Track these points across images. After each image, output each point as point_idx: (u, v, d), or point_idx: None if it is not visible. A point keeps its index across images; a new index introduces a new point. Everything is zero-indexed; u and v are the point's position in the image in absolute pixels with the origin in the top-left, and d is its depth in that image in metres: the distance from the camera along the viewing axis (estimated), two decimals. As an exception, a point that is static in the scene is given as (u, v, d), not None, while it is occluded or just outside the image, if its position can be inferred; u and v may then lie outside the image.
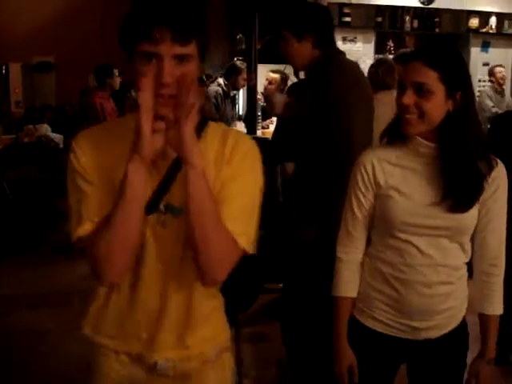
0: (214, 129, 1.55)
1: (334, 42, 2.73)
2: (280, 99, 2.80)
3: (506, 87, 7.59)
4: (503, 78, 7.20)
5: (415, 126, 1.73)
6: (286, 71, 6.51)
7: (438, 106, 1.70)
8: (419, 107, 1.70)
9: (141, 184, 1.37)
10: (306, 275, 2.37)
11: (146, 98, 1.29)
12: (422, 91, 1.69)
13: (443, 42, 7.82)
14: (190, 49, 1.35)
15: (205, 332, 1.65)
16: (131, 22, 1.35)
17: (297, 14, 2.69)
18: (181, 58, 1.34)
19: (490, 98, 7.00)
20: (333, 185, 2.36)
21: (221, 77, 6.30)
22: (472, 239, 1.86)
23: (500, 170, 1.80)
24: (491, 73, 7.22)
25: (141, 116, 1.29)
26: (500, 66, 7.25)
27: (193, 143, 1.33)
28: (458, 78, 1.71)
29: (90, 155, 1.48)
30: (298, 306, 2.73)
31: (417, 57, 1.72)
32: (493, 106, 6.89)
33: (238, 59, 7.64)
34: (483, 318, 1.90)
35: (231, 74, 6.22)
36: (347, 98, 2.51)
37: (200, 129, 1.48)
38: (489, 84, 7.31)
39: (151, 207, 1.47)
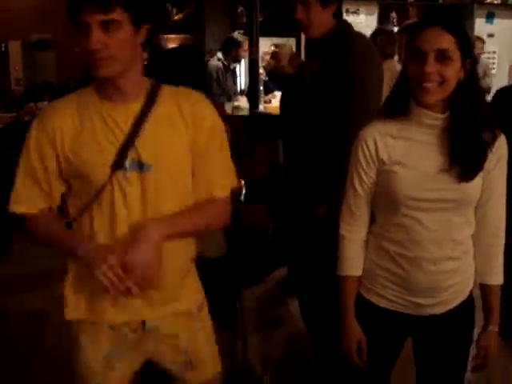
0: (165, 90, 1.69)
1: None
2: (287, 51, 2.67)
3: (508, 59, 7.48)
4: (480, 54, 7.02)
5: (434, 93, 1.70)
6: (288, 45, 6.45)
7: (456, 72, 1.69)
8: (441, 74, 1.67)
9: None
10: (317, 252, 2.33)
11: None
12: (443, 58, 1.66)
13: (446, 13, 7.75)
14: (115, 15, 1.48)
15: (184, 288, 1.79)
16: None
17: None
18: (106, 25, 1.48)
19: None
20: (344, 160, 2.31)
21: (219, 51, 6.24)
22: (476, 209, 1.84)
23: (502, 140, 1.79)
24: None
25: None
26: (481, 40, 7.10)
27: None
28: (469, 45, 1.71)
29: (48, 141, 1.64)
30: (312, 282, 2.70)
31: (434, 23, 1.69)
32: None
33: (239, 32, 7.57)
34: (485, 289, 1.89)
35: (231, 48, 6.14)
36: (368, 70, 2.43)
37: (154, 93, 1.65)
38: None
39: (117, 165, 1.59)
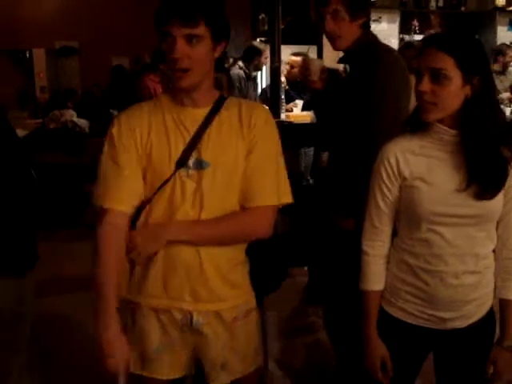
0: (231, 101, 1.85)
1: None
2: (318, 65, 2.62)
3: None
4: (510, 62, 6.96)
5: (432, 112, 1.73)
6: (310, 53, 6.46)
7: (454, 92, 1.69)
8: (435, 94, 1.69)
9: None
10: (343, 264, 2.34)
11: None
12: (437, 77, 1.68)
13: (467, 22, 7.71)
14: (197, 30, 1.66)
15: (235, 286, 1.88)
16: (158, 10, 1.68)
17: None
18: (190, 38, 1.66)
19: None
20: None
21: (240, 59, 6.25)
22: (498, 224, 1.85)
23: None
24: (501, 51, 6.91)
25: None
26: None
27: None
28: (474, 63, 1.69)
29: (131, 135, 1.79)
30: (338, 294, 2.70)
31: (432, 43, 1.71)
32: None
33: (260, 40, 7.59)
34: (503, 304, 1.89)
35: (253, 56, 6.15)
36: (397, 82, 2.42)
37: (220, 102, 1.82)
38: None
39: (181, 162, 1.76)
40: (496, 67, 6.94)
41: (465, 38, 1.74)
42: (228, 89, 3.33)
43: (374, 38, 2.58)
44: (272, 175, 1.82)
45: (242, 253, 1.92)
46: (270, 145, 1.83)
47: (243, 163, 1.80)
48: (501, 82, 6.90)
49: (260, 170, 1.80)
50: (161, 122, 1.79)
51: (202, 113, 1.80)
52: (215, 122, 1.79)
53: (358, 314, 1.97)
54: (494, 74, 6.68)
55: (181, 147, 1.77)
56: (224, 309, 1.86)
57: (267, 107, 1.92)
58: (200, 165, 1.77)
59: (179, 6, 1.66)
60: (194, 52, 1.68)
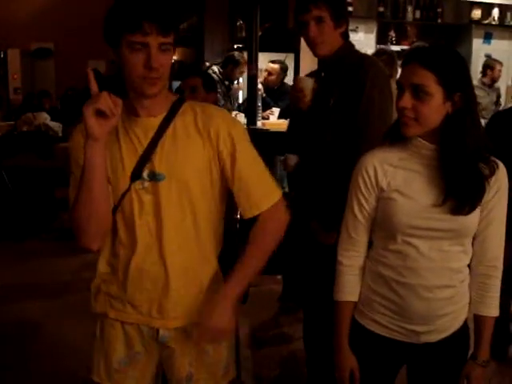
0: (187, 106, 1.79)
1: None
2: (310, 84, 2.56)
3: (506, 79, 7.54)
4: (499, 76, 7.10)
5: (412, 128, 1.73)
6: (287, 61, 6.46)
7: (435, 108, 1.69)
8: (416, 110, 1.69)
9: (98, 164, 1.60)
10: (326, 278, 2.32)
11: (94, 90, 1.57)
12: (419, 93, 1.68)
13: (443, 34, 7.80)
14: (170, 39, 1.64)
15: (205, 302, 1.81)
16: (121, 16, 1.60)
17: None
18: (163, 47, 1.62)
19: None
20: None
21: (216, 65, 6.23)
22: (474, 239, 1.84)
23: (501, 172, 1.79)
24: (489, 66, 7.08)
25: (86, 108, 1.54)
26: (500, 63, 7.10)
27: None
28: (456, 80, 1.69)
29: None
30: (319, 310, 2.68)
31: (413, 58, 1.71)
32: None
33: (238, 47, 7.57)
34: (478, 320, 1.89)
35: (228, 64, 6.13)
36: (383, 94, 2.42)
37: (175, 108, 1.76)
38: (478, 77, 7.16)
39: (135, 175, 1.71)
40: (485, 80, 7.04)
41: (447, 53, 1.73)
42: (206, 91, 3.30)
43: (352, 47, 2.59)
44: (265, 173, 1.80)
45: (213, 265, 1.87)
46: (249, 145, 1.79)
47: (203, 171, 1.75)
48: (488, 95, 6.99)
49: (255, 173, 1.78)
50: (113, 133, 1.71)
51: (155, 122, 1.73)
52: (169, 131, 1.73)
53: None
54: (483, 87, 6.78)
55: (134, 159, 1.72)
56: (192, 324, 1.82)
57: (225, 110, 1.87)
58: (154, 177, 1.72)
59: (156, 13, 1.60)
60: (166, 60, 1.64)
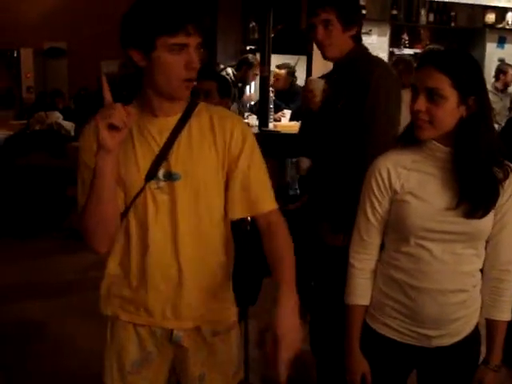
0: (201, 108, 1.79)
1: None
2: (321, 86, 2.56)
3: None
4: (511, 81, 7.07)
5: (426, 131, 1.73)
6: (299, 64, 6.45)
7: (449, 111, 1.69)
8: (430, 113, 1.69)
9: (108, 173, 1.58)
10: (333, 281, 2.32)
11: (107, 99, 1.55)
12: (433, 96, 1.68)
13: (457, 38, 7.76)
14: (201, 39, 1.65)
15: (217, 301, 1.84)
16: (159, 17, 1.58)
17: (348, 1, 2.55)
18: (198, 47, 1.64)
19: None
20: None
21: (231, 67, 6.24)
22: (488, 243, 1.83)
23: None
24: (502, 70, 7.05)
25: (100, 120, 1.52)
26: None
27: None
28: (470, 84, 1.69)
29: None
30: (326, 311, 2.68)
31: (428, 61, 1.71)
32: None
33: (250, 48, 7.57)
34: (490, 324, 1.88)
35: (242, 66, 6.15)
36: (390, 94, 2.43)
37: (190, 109, 1.76)
38: (492, 81, 7.13)
39: (151, 175, 1.70)
40: (498, 85, 7.00)
41: (462, 57, 1.73)
42: (220, 96, 3.26)
43: (364, 50, 2.59)
44: (268, 181, 1.80)
45: (225, 265, 1.87)
46: (257, 151, 1.79)
47: (217, 172, 1.75)
48: (501, 100, 6.95)
49: (261, 178, 1.77)
50: (127, 132, 1.68)
51: (171, 122, 1.73)
52: (185, 131, 1.73)
53: (342, 329, 1.95)
54: (495, 92, 6.74)
55: (149, 159, 1.71)
56: (205, 324, 1.83)
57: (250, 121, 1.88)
58: (170, 176, 1.72)
59: (196, 14, 1.63)
60: (199, 60, 1.66)
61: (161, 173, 1.71)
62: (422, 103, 1.69)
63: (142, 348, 1.85)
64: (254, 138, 1.81)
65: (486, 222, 1.76)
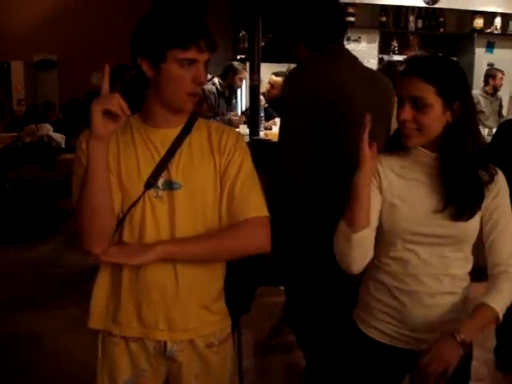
0: (200, 122, 1.83)
1: (330, 42, 2.57)
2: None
3: (509, 88, 7.54)
4: (501, 85, 7.05)
5: (414, 138, 1.74)
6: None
7: (435, 118, 1.71)
8: (417, 121, 1.71)
9: (100, 160, 1.59)
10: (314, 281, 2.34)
11: (105, 88, 1.57)
12: (419, 105, 1.69)
13: (446, 44, 7.80)
14: (210, 54, 1.69)
15: (211, 313, 1.83)
16: (173, 31, 1.62)
17: (288, 19, 2.67)
18: (206, 63, 1.68)
19: (477, 104, 6.83)
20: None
21: (217, 77, 6.24)
22: (483, 246, 1.83)
23: (499, 178, 1.80)
24: (491, 74, 7.07)
25: (95, 105, 1.53)
26: (501, 71, 7.07)
27: None
28: (454, 90, 1.71)
29: None
30: (301, 309, 2.73)
31: (412, 71, 1.72)
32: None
33: (240, 58, 7.58)
34: (478, 305, 1.75)
35: (227, 73, 6.15)
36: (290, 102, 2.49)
37: (191, 122, 1.79)
38: (481, 85, 7.17)
39: (150, 183, 1.72)
40: (487, 89, 7.02)
41: (445, 64, 1.75)
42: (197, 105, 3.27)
43: (314, 57, 2.59)
44: (256, 189, 1.80)
45: (221, 277, 1.87)
46: (247, 161, 1.80)
47: (215, 184, 1.76)
48: (491, 104, 6.98)
49: (244, 185, 1.77)
50: (129, 140, 1.75)
51: (172, 133, 1.76)
52: (186, 143, 1.76)
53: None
54: (486, 96, 6.77)
55: (150, 167, 1.73)
56: (199, 336, 1.82)
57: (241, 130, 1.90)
58: (170, 185, 1.73)
59: (206, 31, 1.66)
60: (205, 75, 1.70)
61: (160, 182, 1.73)
62: (408, 112, 1.71)
63: (134, 366, 1.82)
64: (246, 147, 1.83)
65: (472, 225, 1.78)
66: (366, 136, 1.72)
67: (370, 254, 1.81)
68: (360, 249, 1.77)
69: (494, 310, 1.73)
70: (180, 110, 1.73)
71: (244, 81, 6.63)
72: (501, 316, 1.75)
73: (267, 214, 1.79)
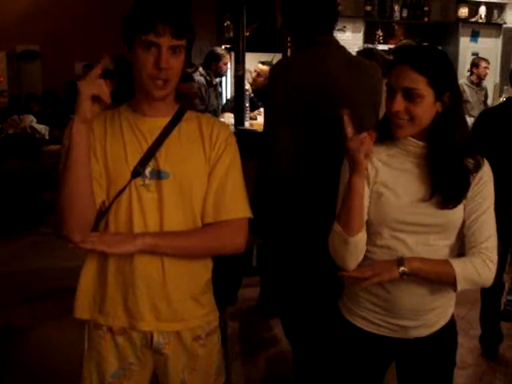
0: (190, 114, 1.83)
1: (315, 34, 2.55)
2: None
3: (493, 77, 7.58)
4: (485, 74, 7.03)
5: (406, 129, 1.74)
6: (275, 61, 6.42)
7: (427, 109, 1.71)
8: (409, 112, 1.70)
9: (82, 143, 1.59)
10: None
11: (96, 72, 1.56)
12: (411, 96, 1.69)
13: (430, 33, 7.81)
14: (182, 42, 1.67)
15: (198, 306, 1.82)
16: (137, 16, 1.65)
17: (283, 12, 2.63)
18: (174, 49, 1.66)
19: (463, 93, 6.83)
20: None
21: (200, 66, 6.14)
22: (464, 235, 1.82)
23: (485, 167, 1.81)
24: (475, 63, 7.06)
25: (84, 88, 1.53)
26: (486, 60, 7.05)
27: None
28: (445, 81, 1.71)
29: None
30: (288, 299, 2.74)
31: (404, 60, 1.71)
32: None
33: (226, 47, 7.54)
34: (442, 260, 1.78)
35: (211, 62, 6.05)
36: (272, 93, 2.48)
37: (181, 113, 1.80)
38: (466, 75, 7.19)
39: (137, 171, 1.71)
40: (472, 79, 7.01)
41: (435, 55, 1.75)
42: (188, 98, 3.25)
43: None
44: (241, 189, 1.80)
45: (209, 270, 1.86)
46: (235, 159, 1.80)
47: (204, 176, 1.76)
48: (476, 94, 6.98)
49: (231, 184, 1.77)
50: (117, 128, 1.74)
51: (161, 122, 1.76)
52: (175, 133, 1.75)
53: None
54: (471, 86, 6.77)
55: (137, 156, 1.72)
56: (186, 329, 1.81)
57: (226, 120, 1.89)
58: (158, 175, 1.72)
59: (170, 16, 1.65)
60: (175, 62, 1.67)
61: (148, 170, 1.71)
62: (400, 103, 1.70)
63: (121, 358, 1.81)
64: (236, 146, 1.82)
65: (457, 213, 1.78)
66: (351, 134, 1.71)
67: (364, 249, 1.81)
68: (357, 250, 1.78)
69: (452, 268, 1.73)
70: (151, 95, 1.70)
71: (229, 70, 6.56)
72: (458, 284, 1.73)
73: (248, 215, 1.80)
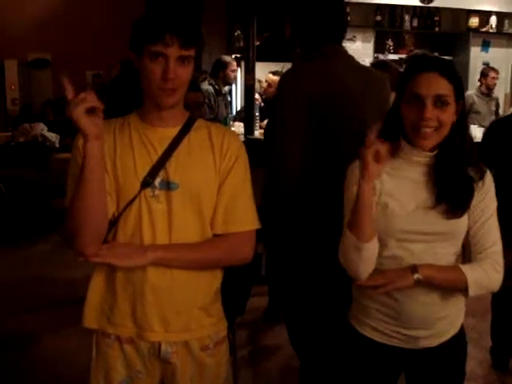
0: (200, 123, 1.82)
1: (323, 44, 2.53)
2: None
3: (504, 87, 7.55)
4: (494, 84, 6.98)
5: (431, 139, 1.73)
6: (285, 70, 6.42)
7: (451, 116, 1.72)
8: (438, 119, 1.70)
9: (99, 160, 1.58)
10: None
11: (71, 94, 1.52)
12: (441, 103, 1.69)
13: (441, 43, 7.80)
14: (191, 52, 1.67)
15: (207, 315, 1.82)
16: (146, 26, 1.65)
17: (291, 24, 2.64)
18: (182, 59, 1.65)
19: (473, 104, 6.81)
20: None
21: (208, 75, 6.13)
22: (468, 242, 1.82)
23: (488, 176, 1.81)
24: (484, 73, 7.03)
25: (73, 111, 1.50)
26: (495, 70, 7.00)
27: None
28: (462, 89, 1.73)
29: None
30: (296, 309, 2.70)
31: (432, 68, 1.71)
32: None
33: (236, 57, 7.57)
34: (453, 266, 1.78)
35: (218, 70, 6.03)
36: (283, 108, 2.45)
37: (190, 122, 1.79)
38: (477, 85, 7.16)
39: (147, 182, 1.70)
40: (482, 89, 6.97)
41: (451, 63, 1.78)
42: (197, 107, 3.25)
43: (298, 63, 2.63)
44: (251, 201, 1.80)
45: (218, 279, 1.86)
46: (246, 171, 1.80)
47: (213, 186, 1.75)
48: (486, 104, 6.94)
49: (241, 197, 1.77)
50: (127, 138, 1.73)
51: (170, 132, 1.75)
52: (184, 143, 1.75)
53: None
54: (481, 96, 6.74)
55: (147, 166, 1.71)
56: (194, 338, 1.80)
57: (237, 129, 1.88)
58: (168, 185, 1.71)
59: (179, 26, 1.64)
60: (184, 72, 1.67)
61: (157, 181, 1.71)
62: (432, 110, 1.69)
63: (129, 367, 1.80)
64: (246, 157, 1.82)
65: (462, 221, 1.78)
66: (370, 145, 1.69)
67: (376, 258, 1.80)
68: (370, 259, 1.77)
69: (462, 273, 1.74)
70: (160, 105, 1.70)
71: (238, 79, 6.55)
72: (470, 289, 1.74)
73: (257, 226, 1.81)
